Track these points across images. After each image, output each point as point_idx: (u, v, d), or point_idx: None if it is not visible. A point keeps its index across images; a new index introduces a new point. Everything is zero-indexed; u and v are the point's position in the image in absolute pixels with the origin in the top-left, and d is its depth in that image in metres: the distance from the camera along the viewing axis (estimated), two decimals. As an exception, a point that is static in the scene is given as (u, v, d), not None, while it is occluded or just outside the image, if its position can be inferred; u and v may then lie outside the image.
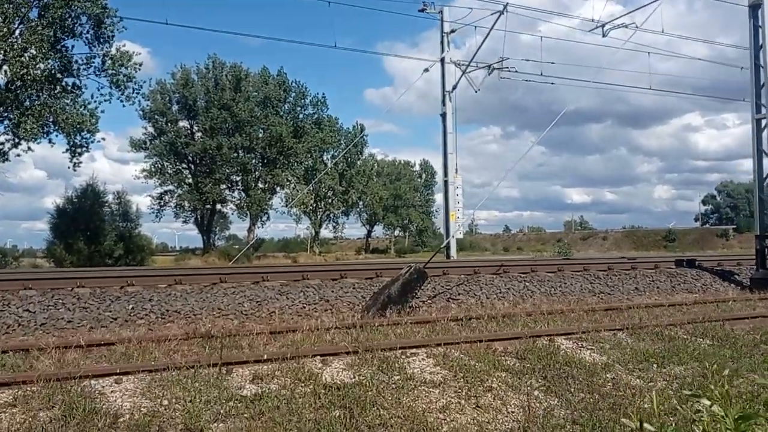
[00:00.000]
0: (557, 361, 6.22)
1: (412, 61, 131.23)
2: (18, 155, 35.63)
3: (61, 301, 9.59)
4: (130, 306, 9.71)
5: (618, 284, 13.91)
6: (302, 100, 58.68)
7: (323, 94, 61.23)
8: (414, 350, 6.39)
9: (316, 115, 60.06)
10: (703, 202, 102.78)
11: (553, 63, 22.97)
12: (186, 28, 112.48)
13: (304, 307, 10.75)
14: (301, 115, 58.71)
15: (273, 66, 73.58)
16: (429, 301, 11.48)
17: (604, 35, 18.64)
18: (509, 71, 20.82)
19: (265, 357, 5.86)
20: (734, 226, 74.03)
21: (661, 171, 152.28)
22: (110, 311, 9.54)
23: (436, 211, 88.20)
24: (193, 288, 10.81)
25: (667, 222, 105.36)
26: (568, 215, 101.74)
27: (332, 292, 11.39)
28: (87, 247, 38.98)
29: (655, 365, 6.31)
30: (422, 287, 10.76)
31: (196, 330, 7.65)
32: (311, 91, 59.44)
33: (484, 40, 19.36)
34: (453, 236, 21.85)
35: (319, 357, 6.00)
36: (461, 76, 22.03)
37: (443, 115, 22.24)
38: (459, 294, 12.03)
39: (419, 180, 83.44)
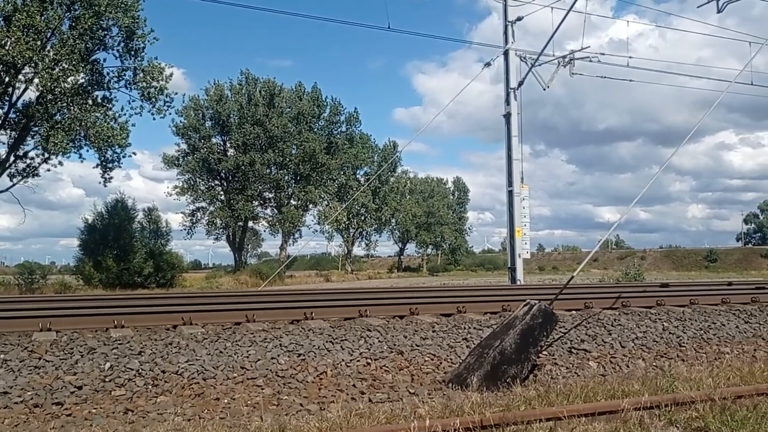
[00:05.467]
0: None
1: (442, 81, 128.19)
2: (48, 170, 32.81)
3: (3, 356, 5.97)
4: (107, 365, 6.03)
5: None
6: (337, 117, 55.54)
7: (356, 109, 57.85)
8: None
9: (349, 131, 56.86)
10: (746, 221, 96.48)
11: (631, 57, 19.28)
12: (219, 46, 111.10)
13: (369, 364, 6.94)
14: (335, 131, 55.52)
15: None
16: (545, 354, 7.59)
17: (719, 11, 14.47)
18: (590, 61, 16.94)
19: None
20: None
21: (694, 190, 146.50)
22: (75, 373, 5.86)
23: (469, 229, 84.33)
24: (206, 332, 7.13)
25: (703, 242, 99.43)
26: (599, 234, 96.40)
27: (404, 337, 7.58)
28: (116, 264, 36.23)
29: None
30: (548, 337, 6.86)
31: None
32: (346, 108, 56.10)
33: (561, 22, 15.55)
34: (520, 256, 17.97)
35: None
36: (528, 72, 18.24)
37: (507, 116, 18.45)
38: (582, 341, 8.09)
39: (452, 197, 79.53)
